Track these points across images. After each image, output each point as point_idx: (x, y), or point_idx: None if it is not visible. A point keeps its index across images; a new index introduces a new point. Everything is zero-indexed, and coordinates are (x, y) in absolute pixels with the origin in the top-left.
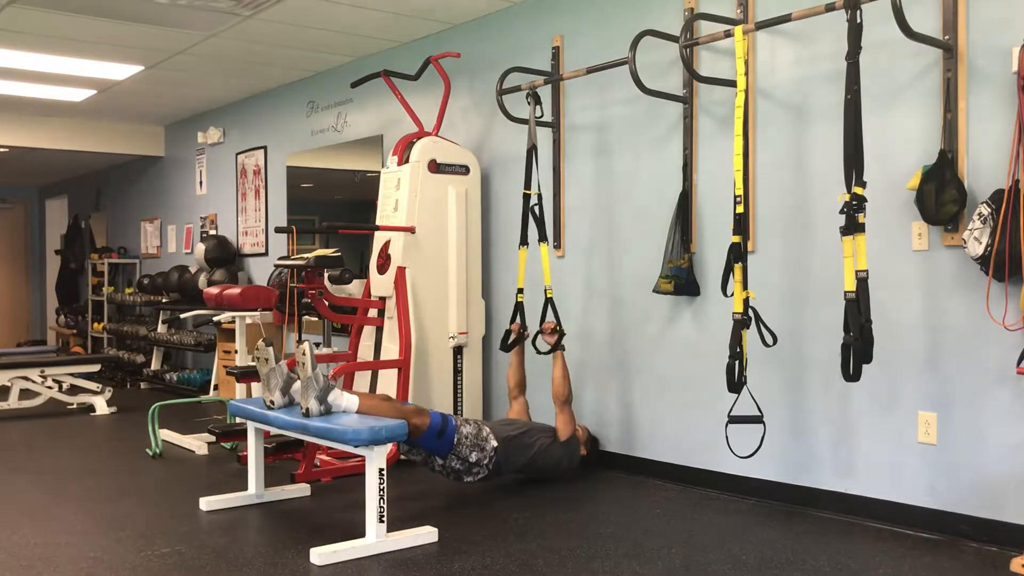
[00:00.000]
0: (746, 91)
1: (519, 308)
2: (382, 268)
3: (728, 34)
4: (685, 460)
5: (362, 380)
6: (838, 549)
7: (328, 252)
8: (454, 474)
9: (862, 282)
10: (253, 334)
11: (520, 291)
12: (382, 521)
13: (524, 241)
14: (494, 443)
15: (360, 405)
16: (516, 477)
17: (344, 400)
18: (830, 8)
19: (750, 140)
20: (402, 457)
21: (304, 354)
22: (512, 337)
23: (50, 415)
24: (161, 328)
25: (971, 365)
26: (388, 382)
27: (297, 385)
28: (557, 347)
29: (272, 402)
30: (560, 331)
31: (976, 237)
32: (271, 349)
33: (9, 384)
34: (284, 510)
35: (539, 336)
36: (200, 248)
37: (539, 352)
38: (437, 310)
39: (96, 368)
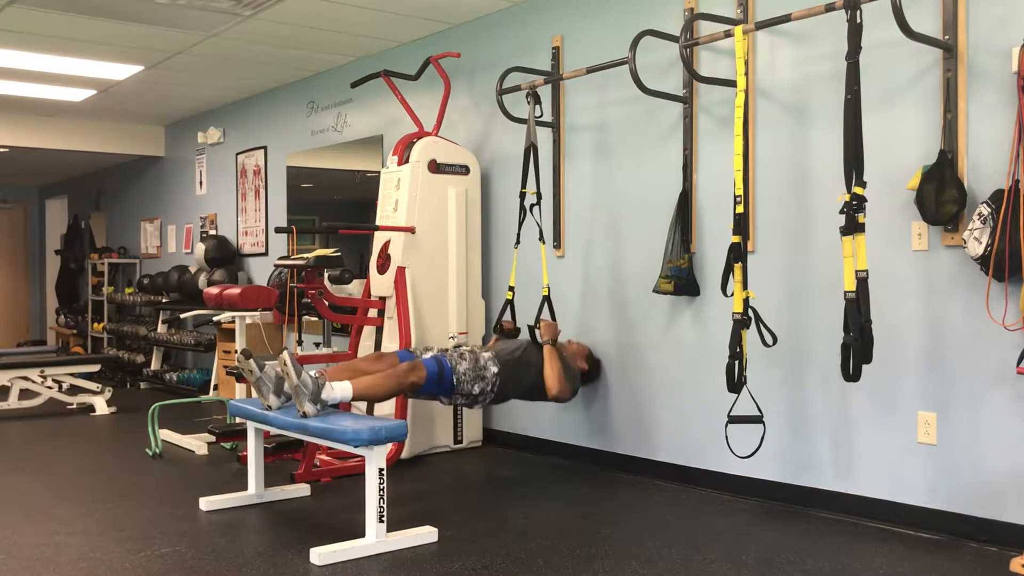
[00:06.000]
0: (746, 91)
1: (507, 306)
2: (382, 268)
3: (728, 34)
4: (685, 460)
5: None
6: (838, 549)
7: (328, 252)
8: (463, 406)
9: (862, 282)
10: (253, 334)
11: (511, 289)
12: (382, 521)
13: (517, 240)
14: (494, 369)
15: (354, 390)
16: (516, 476)
17: (338, 392)
18: (830, 8)
19: (750, 140)
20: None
21: (285, 364)
22: (504, 332)
23: (50, 415)
24: (161, 328)
25: (971, 365)
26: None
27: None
28: (546, 342)
29: (269, 407)
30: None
31: (976, 237)
32: (251, 361)
33: (9, 384)
34: (284, 510)
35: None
36: (200, 248)
37: (538, 345)
38: (437, 310)
39: (96, 368)
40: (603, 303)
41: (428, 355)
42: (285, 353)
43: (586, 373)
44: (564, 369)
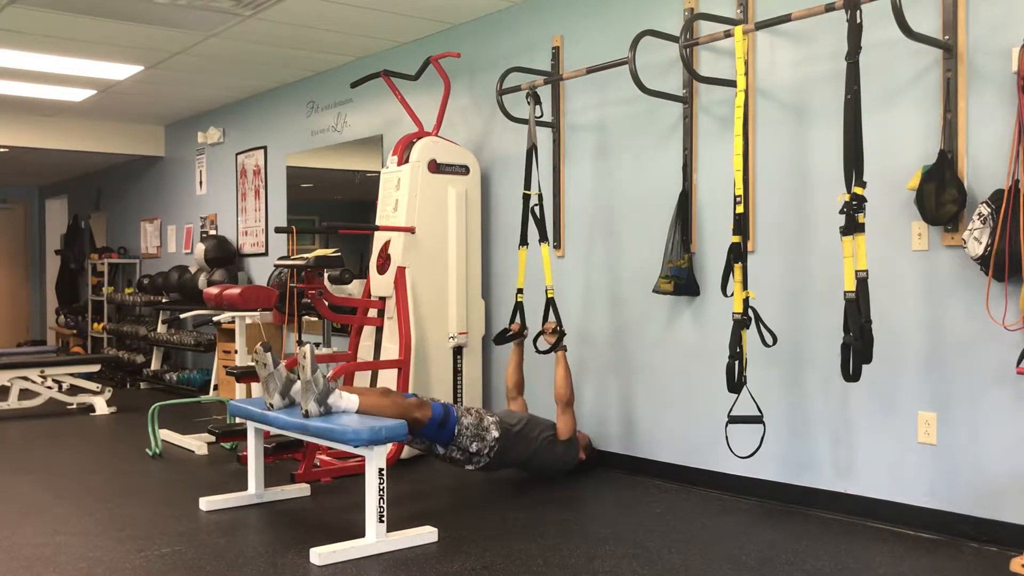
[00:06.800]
0: (746, 91)
1: (518, 308)
2: (382, 268)
3: (728, 34)
4: (685, 460)
5: (362, 376)
6: (838, 549)
7: (328, 252)
8: (455, 463)
9: (862, 282)
10: (253, 334)
11: (520, 291)
12: (382, 521)
13: (524, 241)
14: (495, 434)
15: (360, 404)
16: (516, 476)
17: (344, 401)
18: (830, 8)
19: (750, 140)
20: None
21: (304, 357)
22: (510, 334)
23: (50, 415)
24: (161, 328)
25: (971, 365)
26: (389, 376)
27: (297, 386)
28: (558, 347)
29: (271, 405)
30: (561, 331)
31: (976, 237)
32: (269, 354)
33: (9, 384)
34: (284, 510)
35: (540, 336)
36: (200, 248)
37: (539, 351)
38: (437, 310)
39: (96, 368)
40: (603, 303)
41: (436, 402)
42: (308, 347)
43: (582, 463)
44: (568, 442)
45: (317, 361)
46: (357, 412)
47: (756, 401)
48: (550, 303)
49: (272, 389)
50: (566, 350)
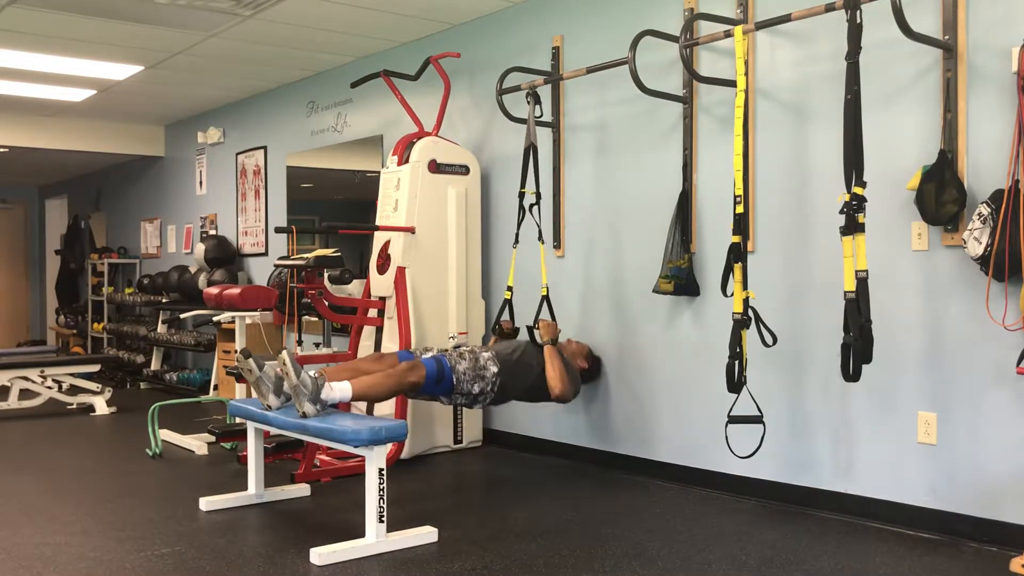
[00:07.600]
0: (746, 91)
1: (506, 305)
2: (382, 268)
3: (728, 34)
4: (685, 460)
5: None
6: (838, 549)
7: (328, 252)
8: (462, 407)
9: (862, 282)
10: (253, 334)
11: (509, 289)
12: (382, 521)
13: (517, 240)
14: (494, 369)
15: (354, 390)
16: (516, 476)
17: (336, 392)
18: (830, 8)
19: (750, 140)
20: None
21: (285, 364)
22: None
23: (50, 415)
24: (161, 328)
25: (971, 365)
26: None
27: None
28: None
29: (269, 407)
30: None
31: (976, 237)
32: (251, 360)
33: (9, 384)
34: (284, 510)
35: (535, 331)
36: (200, 248)
37: (537, 345)
38: (437, 310)
39: (96, 368)
40: (603, 303)
41: (428, 355)
42: (284, 353)
43: (586, 372)
44: (566, 368)
45: (315, 361)
46: (352, 398)
47: (756, 401)
48: (544, 300)
49: (265, 391)
50: (554, 344)
